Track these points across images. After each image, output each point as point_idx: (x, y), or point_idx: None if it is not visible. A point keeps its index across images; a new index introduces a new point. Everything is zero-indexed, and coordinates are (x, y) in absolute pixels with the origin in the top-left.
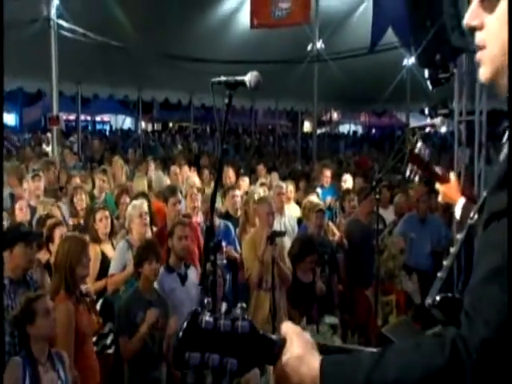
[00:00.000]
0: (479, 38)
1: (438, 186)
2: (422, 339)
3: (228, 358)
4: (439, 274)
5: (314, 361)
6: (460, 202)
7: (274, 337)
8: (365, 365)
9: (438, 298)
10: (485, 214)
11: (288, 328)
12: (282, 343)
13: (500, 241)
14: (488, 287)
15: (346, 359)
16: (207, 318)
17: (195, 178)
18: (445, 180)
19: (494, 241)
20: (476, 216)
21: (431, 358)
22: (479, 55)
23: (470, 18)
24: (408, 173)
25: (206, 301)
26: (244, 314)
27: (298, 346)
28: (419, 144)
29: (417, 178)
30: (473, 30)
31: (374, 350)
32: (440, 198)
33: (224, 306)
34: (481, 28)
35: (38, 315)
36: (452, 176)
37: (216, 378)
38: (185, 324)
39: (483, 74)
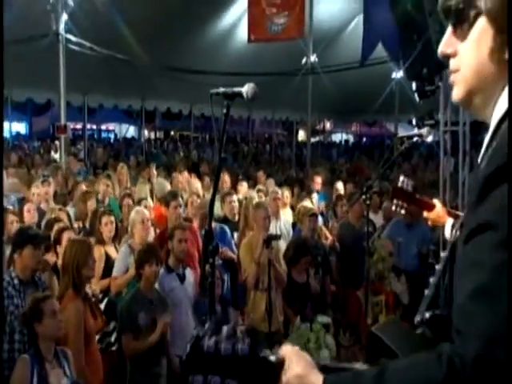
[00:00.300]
0: (453, 63)
1: (425, 214)
2: (419, 356)
3: (229, 380)
4: (426, 292)
5: (317, 380)
6: (448, 223)
7: (272, 358)
8: (366, 383)
9: (426, 316)
10: (465, 228)
11: (287, 349)
12: (281, 363)
13: (484, 256)
14: (477, 305)
15: (347, 378)
16: (209, 341)
17: (198, 185)
18: (430, 207)
19: (478, 256)
20: (459, 232)
21: (430, 375)
22: (452, 77)
23: (444, 47)
24: (394, 207)
25: (206, 325)
26: (244, 337)
27: (298, 366)
28: (401, 177)
29: (403, 211)
30: (447, 57)
31: (369, 367)
32: (430, 223)
33: (225, 330)
34: (454, 55)
35: (46, 315)
36: (437, 202)
37: None
38: (188, 348)
39: (456, 94)
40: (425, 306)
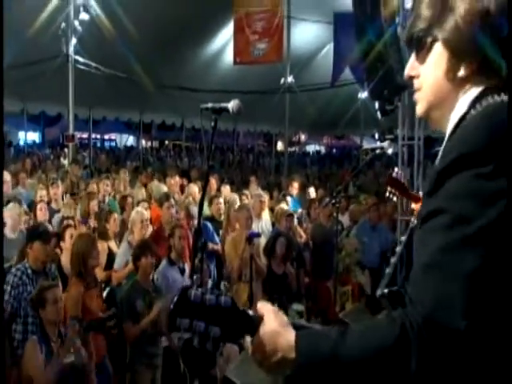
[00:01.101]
0: (416, 83)
1: (413, 205)
2: (377, 319)
3: (212, 327)
4: (387, 270)
5: (291, 334)
6: None
7: (251, 312)
8: (332, 341)
9: (385, 291)
10: (421, 215)
11: (265, 306)
12: (259, 318)
13: (434, 236)
14: (427, 277)
15: (317, 335)
16: (195, 292)
17: (196, 189)
18: (417, 199)
19: (430, 237)
20: (415, 221)
21: (384, 335)
22: (416, 96)
23: (409, 70)
24: (387, 194)
25: (194, 277)
26: (227, 291)
27: (275, 322)
28: (396, 169)
29: (395, 199)
30: (411, 78)
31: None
32: (415, 214)
33: (210, 283)
34: (417, 77)
35: (48, 303)
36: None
37: (201, 342)
38: (176, 297)
39: (419, 109)
40: (385, 282)
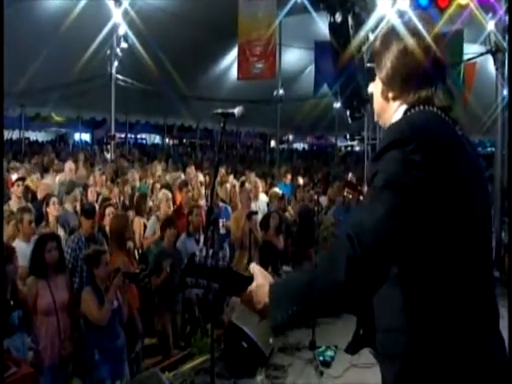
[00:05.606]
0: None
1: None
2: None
3: (212, 283)
4: None
5: (268, 287)
6: None
7: (242, 273)
8: (295, 282)
9: None
10: (367, 178)
11: (255, 267)
12: (248, 278)
13: (366, 200)
14: (361, 211)
15: (288, 279)
16: (200, 257)
17: (201, 178)
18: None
19: (372, 192)
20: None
21: (339, 244)
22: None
23: (369, 88)
24: (345, 193)
25: (200, 247)
26: (224, 258)
27: (261, 278)
28: (350, 174)
29: (350, 196)
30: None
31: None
32: None
33: (210, 252)
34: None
35: (102, 263)
36: None
37: (205, 295)
38: (185, 261)
39: (375, 115)
40: None
